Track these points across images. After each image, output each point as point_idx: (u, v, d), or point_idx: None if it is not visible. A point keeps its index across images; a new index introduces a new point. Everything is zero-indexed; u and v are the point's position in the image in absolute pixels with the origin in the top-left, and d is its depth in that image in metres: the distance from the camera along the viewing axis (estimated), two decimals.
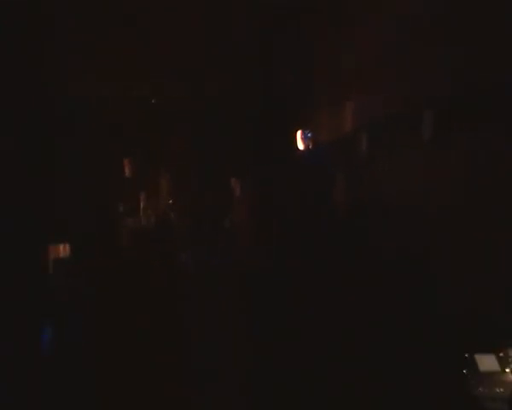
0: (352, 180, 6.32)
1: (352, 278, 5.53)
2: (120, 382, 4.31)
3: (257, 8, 6.58)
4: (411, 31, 4.72)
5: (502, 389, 3.12)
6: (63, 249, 7.23)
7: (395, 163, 5.17)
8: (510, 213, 3.64)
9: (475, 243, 3.90)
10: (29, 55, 6.66)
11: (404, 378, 3.88)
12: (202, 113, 8.33)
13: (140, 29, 6.83)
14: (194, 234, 7.65)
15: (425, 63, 4.51)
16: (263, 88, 7.81)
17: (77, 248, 7.26)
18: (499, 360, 3.25)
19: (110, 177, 7.95)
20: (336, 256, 5.98)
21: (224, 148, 8.17)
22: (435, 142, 4.38)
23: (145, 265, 7.25)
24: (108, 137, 8.27)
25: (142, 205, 7.99)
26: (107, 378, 4.37)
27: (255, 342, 4.93)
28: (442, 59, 4.26)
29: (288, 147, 6.98)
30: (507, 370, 3.21)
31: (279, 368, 4.36)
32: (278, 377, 4.26)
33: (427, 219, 4.52)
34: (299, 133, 6.64)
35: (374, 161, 5.68)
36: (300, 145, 6.63)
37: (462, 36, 4.02)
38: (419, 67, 4.62)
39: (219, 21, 6.78)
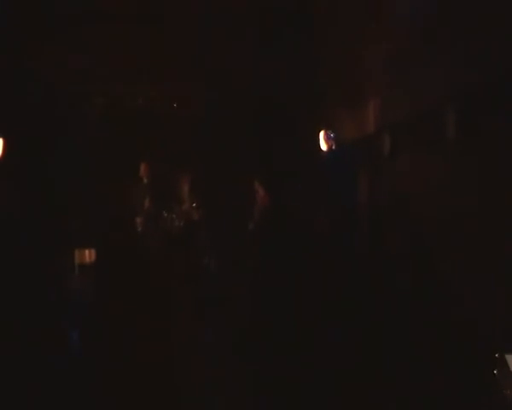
0: (374, 180, 6.24)
1: (369, 280, 5.47)
2: (139, 382, 4.33)
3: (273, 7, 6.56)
4: (433, 29, 4.64)
5: None
6: (87, 254, 7.29)
7: (417, 163, 5.08)
8: None
9: (499, 244, 3.80)
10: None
11: (436, 378, 3.82)
12: (220, 115, 8.31)
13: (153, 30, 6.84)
14: (213, 237, 7.64)
15: (447, 62, 4.43)
16: (283, 89, 7.77)
17: (99, 253, 7.32)
18: None
19: (131, 181, 7.99)
20: (356, 256, 5.93)
21: (244, 150, 8.16)
22: (457, 141, 4.29)
23: (167, 268, 7.27)
24: (130, 142, 8.32)
25: (163, 209, 8.01)
26: (127, 378, 4.39)
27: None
28: (464, 58, 4.18)
29: (311, 148, 6.93)
30: None
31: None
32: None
33: (448, 220, 4.42)
34: (322, 134, 6.59)
35: (396, 161, 5.59)
36: (324, 146, 6.57)
37: (483, 34, 3.94)
38: (441, 66, 4.53)
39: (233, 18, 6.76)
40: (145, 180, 8.06)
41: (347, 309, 5.24)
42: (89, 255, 7.34)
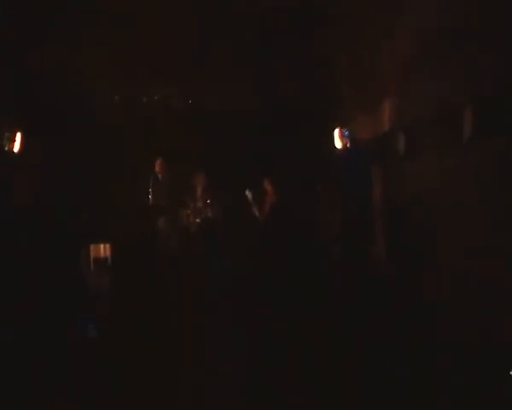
0: (389, 179, 6.21)
1: (385, 279, 5.46)
2: (155, 376, 4.38)
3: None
4: (449, 29, 4.61)
5: None
6: (102, 249, 7.36)
7: (433, 163, 5.04)
8: None
9: None
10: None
11: (452, 378, 3.83)
12: (237, 114, 8.32)
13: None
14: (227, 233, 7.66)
15: (464, 61, 4.39)
16: (298, 87, 7.77)
17: (115, 247, 7.39)
18: None
19: (148, 178, 8.03)
20: (369, 255, 5.91)
21: (257, 148, 8.17)
22: (474, 142, 4.25)
23: (183, 263, 7.31)
24: (145, 138, 8.37)
25: (179, 205, 8.04)
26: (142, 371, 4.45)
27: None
28: (480, 58, 4.15)
29: (326, 145, 6.91)
30: None
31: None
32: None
33: (463, 221, 4.38)
34: (337, 131, 6.58)
35: (411, 160, 5.55)
36: (338, 143, 6.56)
37: (499, 35, 3.90)
38: (457, 66, 4.50)
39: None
40: (160, 177, 8.11)
41: (364, 310, 5.26)
42: (104, 250, 7.42)
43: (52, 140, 7.26)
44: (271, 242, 6.50)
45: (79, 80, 7.50)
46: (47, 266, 6.22)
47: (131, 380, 4.36)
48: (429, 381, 4.08)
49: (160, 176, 8.09)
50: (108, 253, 7.42)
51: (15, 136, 6.44)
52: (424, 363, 4.31)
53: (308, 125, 7.90)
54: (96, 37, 6.62)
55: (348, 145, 6.51)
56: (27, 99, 6.88)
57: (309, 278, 6.18)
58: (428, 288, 4.87)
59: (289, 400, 3.99)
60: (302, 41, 6.96)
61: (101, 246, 7.38)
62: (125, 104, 8.35)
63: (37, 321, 5.25)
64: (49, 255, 6.42)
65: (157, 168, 8.07)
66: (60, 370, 4.47)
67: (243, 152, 8.27)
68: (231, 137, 8.31)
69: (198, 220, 7.90)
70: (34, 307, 5.48)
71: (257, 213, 6.60)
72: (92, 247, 7.30)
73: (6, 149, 6.37)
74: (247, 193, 6.70)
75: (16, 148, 6.47)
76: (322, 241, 6.97)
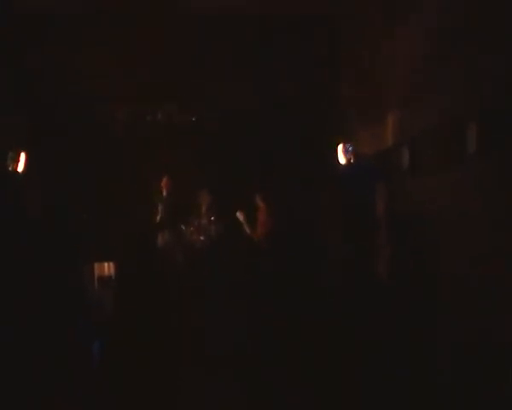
0: (393, 195, 6.15)
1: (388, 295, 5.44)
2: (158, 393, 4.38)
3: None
4: (452, 43, 4.60)
5: None
6: (106, 267, 7.36)
7: (437, 177, 5.00)
8: None
9: None
10: None
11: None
12: (241, 129, 8.30)
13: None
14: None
15: (468, 75, 4.37)
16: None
17: (118, 266, 7.37)
18: None
19: (151, 195, 8.02)
20: (376, 271, 5.87)
21: (261, 164, 8.15)
22: (478, 155, 4.22)
23: (186, 281, 7.27)
24: (148, 155, 8.35)
25: (182, 223, 7.96)
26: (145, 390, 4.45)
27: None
28: (484, 71, 4.13)
29: (329, 161, 6.86)
30: None
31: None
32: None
33: (468, 235, 4.35)
34: (340, 147, 6.53)
35: (416, 175, 5.50)
36: (342, 159, 6.51)
37: (502, 46, 3.89)
38: (461, 79, 4.48)
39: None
40: (164, 194, 8.07)
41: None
42: (108, 268, 7.40)
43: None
44: (270, 255, 6.46)
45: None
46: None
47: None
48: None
49: (164, 193, 8.04)
50: (112, 271, 7.41)
51: (19, 156, 6.43)
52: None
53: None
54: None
55: (352, 161, 6.46)
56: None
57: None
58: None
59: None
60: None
61: (105, 264, 7.38)
62: (130, 118, 8.34)
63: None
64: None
65: (161, 185, 8.01)
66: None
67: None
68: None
69: (202, 238, 7.81)
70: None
71: (249, 232, 6.56)
72: (96, 265, 7.30)
73: (10, 168, 6.36)
74: (238, 215, 6.67)
75: (20, 167, 6.45)
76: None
